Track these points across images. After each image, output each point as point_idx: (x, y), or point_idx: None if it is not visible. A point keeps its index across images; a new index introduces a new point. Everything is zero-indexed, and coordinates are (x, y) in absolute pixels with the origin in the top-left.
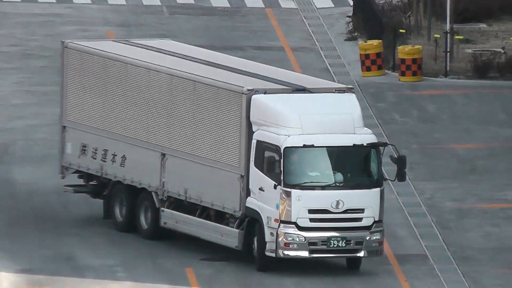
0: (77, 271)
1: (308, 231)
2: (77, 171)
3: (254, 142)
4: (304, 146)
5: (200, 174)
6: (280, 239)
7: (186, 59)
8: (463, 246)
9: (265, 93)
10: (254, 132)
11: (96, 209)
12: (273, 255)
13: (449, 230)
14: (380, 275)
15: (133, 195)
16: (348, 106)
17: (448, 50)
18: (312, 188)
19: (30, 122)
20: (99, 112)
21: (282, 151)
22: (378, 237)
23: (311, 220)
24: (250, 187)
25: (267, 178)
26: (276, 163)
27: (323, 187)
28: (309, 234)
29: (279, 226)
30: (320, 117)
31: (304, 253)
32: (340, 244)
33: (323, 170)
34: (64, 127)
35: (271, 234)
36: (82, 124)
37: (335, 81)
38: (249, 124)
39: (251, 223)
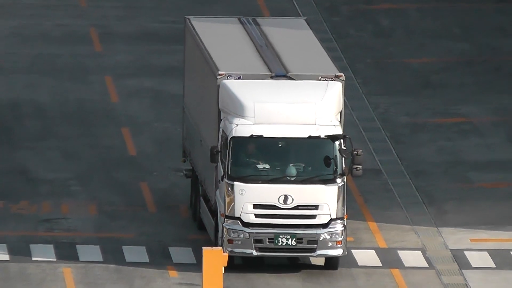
0: (31, 185)
1: (254, 227)
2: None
3: (220, 131)
4: (252, 136)
5: (205, 163)
6: (224, 234)
7: (254, 41)
8: (417, 160)
9: (239, 78)
10: (221, 120)
11: (49, 123)
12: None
13: (402, 144)
14: None
15: (197, 183)
16: (318, 95)
17: None
18: (257, 181)
19: None
20: (187, 94)
21: (229, 141)
22: (335, 236)
23: (257, 215)
24: (217, 178)
25: (222, 169)
26: (220, 154)
27: (269, 181)
28: (254, 231)
29: (224, 221)
30: (277, 105)
31: (251, 251)
32: (290, 242)
33: (273, 163)
34: (183, 108)
35: (222, 228)
36: (185, 106)
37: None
38: (219, 111)
39: (217, 216)
